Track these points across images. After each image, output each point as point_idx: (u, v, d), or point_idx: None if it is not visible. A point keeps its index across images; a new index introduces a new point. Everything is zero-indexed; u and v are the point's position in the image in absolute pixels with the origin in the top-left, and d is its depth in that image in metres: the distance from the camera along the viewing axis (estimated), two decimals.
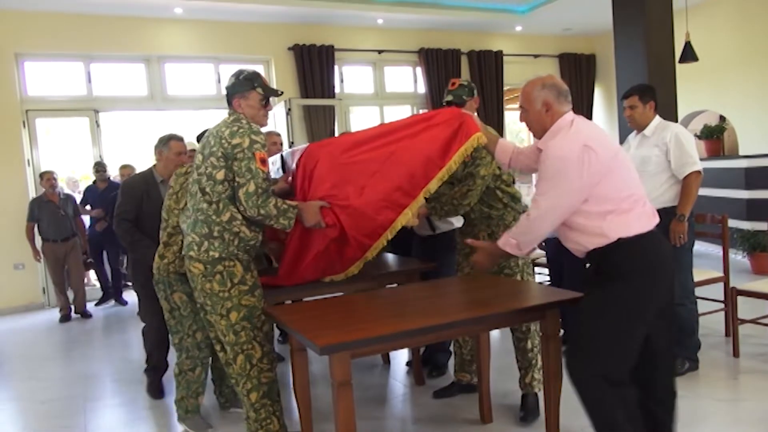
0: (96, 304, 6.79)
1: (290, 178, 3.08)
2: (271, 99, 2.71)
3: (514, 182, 3.18)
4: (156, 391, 3.78)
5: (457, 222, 3.49)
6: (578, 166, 2.13)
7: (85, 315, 6.31)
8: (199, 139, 3.80)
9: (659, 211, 3.40)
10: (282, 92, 2.82)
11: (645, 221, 2.20)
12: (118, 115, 7.69)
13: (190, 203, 2.67)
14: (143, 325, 3.95)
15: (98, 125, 7.35)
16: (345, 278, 3.04)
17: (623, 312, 2.14)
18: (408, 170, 2.90)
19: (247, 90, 2.61)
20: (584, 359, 2.15)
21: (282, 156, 3.54)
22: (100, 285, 6.96)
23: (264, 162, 2.53)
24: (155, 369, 3.82)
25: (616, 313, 2.14)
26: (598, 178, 2.15)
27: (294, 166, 3.01)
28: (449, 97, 3.12)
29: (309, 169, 2.90)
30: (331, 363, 2.14)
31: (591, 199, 2.18)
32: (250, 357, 2.63)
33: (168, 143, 3.63)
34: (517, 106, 3.15)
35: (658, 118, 3.60)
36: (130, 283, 6.36)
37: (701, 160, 3.51)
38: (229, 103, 2.65)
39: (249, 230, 2.61)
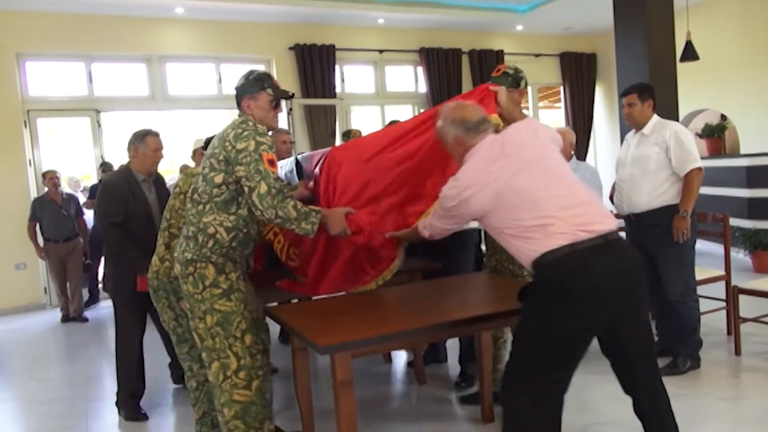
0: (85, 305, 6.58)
1: (311, 184, 2.99)
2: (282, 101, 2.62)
3: None
4: (139, 414, 3.45)
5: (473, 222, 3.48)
6: (456, 206, 2.19)
7: (81, 319, 6.22)
8: (207, 143, 3.77)
9: (661, 209, 3.45)
10: (293, 94, 2.68)
11: (556, 241, 1.99)
12: (120, 115, 7.67)
13: (186, 206, 2.63)
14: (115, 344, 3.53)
15: (99, 125, 7.35)
16: (376, 287, 2.84)
17: (540, 337, 2.01)
18: (437, 163, 2.79)
19: (257, 91, 2.50)
20: (508, 385, 2.09)
21: (297, 160, 3.47)
22: (89, 287, 6.79)
23: (272, 163, 2.39)
24: (133, 395, 3.48)
25: (532, 339, 2.04)
26: (481, 215, 2.16)
27: (316, 171, 2.92)
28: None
29: (333, 174, 2.80)
30: (333, 363, 2.14)
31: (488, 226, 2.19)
32: (225, 367, 2.46)
33: (144, 139, 3.39)
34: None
35: (656, 117, 3.61)
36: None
37: (702, 158, 3.51)
38: (239, 104, 2.55)
39: (227, 232, 2.46)
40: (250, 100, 2.51)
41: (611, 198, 3.91)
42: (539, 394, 2.02)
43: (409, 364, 4.03)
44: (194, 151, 4.90)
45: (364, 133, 4.53)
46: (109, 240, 3.35)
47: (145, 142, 3.39)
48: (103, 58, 7.44)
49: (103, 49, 7.30)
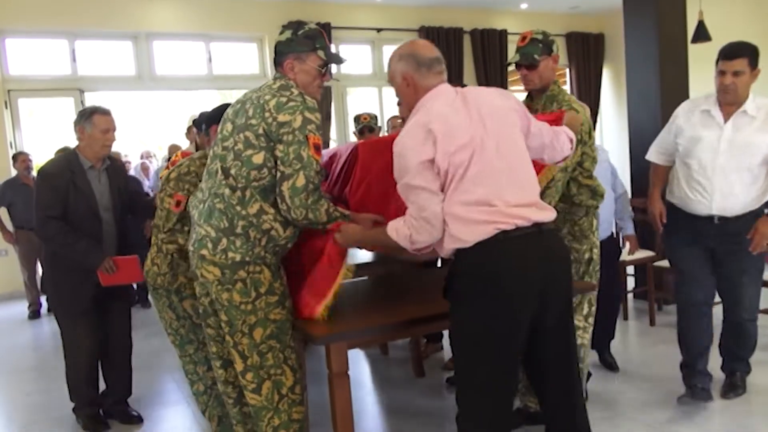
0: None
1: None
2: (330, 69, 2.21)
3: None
4: (101, 423, 3.13)
5: None
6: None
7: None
8: (197, 123, 3.33)
9: (753, 213, 2.77)
10: (345, 59, 2.27)
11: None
12: (105, 95, 7.44)
13: (206, 184, 2.17)
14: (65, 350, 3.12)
15: (84, 106, 7.07)
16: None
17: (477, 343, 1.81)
18: None
19: (307, 51, 2.09)
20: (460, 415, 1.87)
21: None
22: None
23: (318, 149, 2.01)
24: (91, 405, 3.14)
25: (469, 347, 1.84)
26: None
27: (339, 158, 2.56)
28: (517, 57, 2.55)
29: (351, 164, 2.42)
30: (328, 353, 2.08)
31: None
32: (279, 385, 2.14)
33: (91, 118, 2.89)
34: (522, 87, 2.72)
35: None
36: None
37: None
38: (278, 63, 2.12)
39: (283, 228, 2.08)
40: (295, 60, 2.10)
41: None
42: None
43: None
44: (189, 128, 4.60)
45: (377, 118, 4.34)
46: (49, 235, 2.89)
47: (92, 122, 2.90)
48: (87, 36, 7.20)
49: (88, 26, 7.05)
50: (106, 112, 2.96)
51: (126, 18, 7.16)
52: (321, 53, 2.13)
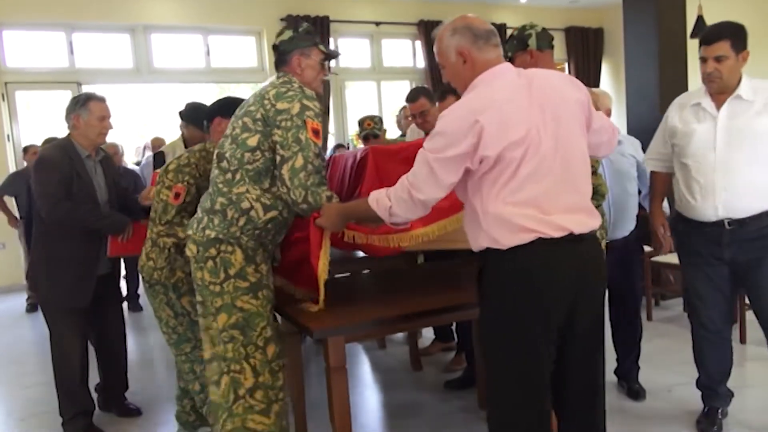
0: None
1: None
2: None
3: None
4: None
5: None
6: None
7: None
8: (182, 114, 3.38)
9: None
10: (339, 54, 2.36)
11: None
12: (102, 88, 7.35)
13: (212, 174, 2.19)
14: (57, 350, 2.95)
15: None
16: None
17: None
18: None
19: (309, 46, 2.12)
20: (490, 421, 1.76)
21: None
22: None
23: (317, 134, 2.01)
24: (85, 414, 2.98)
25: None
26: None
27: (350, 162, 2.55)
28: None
29: (361, 166, 2.42)
30: (325, 347, 2.05)
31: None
32: (237, 383, 2.03)
33: (87, 105, 2.78)
34: None
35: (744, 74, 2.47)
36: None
37: None
38: (282, 62, 2.14)
39: (264, 210, 2.05)
40: (301, 56, 2.12)
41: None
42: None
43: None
44: None
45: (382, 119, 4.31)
46: (60, 216, 2.74)
47: (89, 109, 2.78)
48: (84, 28, 7.15)
49: (85, 18, 7.00)
50: (101, 99, 2.86)
51: (124, 11, 7.11)
52: (321, 47, 2.17)
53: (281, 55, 2.14)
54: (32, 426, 3.20)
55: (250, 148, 2.02)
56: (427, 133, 2.92)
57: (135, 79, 7.42)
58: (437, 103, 3.39)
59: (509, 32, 9.03)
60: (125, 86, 7.50)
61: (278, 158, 2.00)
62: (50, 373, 3.09)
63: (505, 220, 1.62)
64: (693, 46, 5.55)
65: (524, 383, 1.68)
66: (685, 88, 5.10)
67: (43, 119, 7.60)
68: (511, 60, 2.44)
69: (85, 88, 7.09)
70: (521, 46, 2.45)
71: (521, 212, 1.61)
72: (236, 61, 7.95)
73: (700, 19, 6.28)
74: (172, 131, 7.30)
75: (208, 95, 7.78)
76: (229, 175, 2.05)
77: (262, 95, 2.05)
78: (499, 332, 1.70)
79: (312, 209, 1.99)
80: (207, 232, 2.05)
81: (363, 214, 1.90)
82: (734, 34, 2.36)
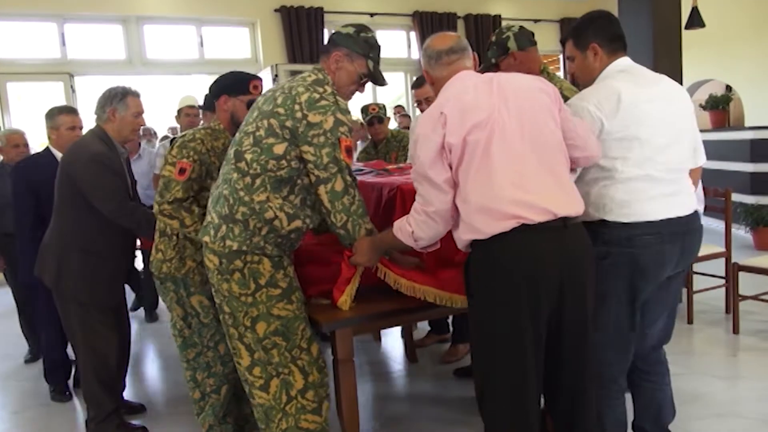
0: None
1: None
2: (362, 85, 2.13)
3: None
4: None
5: None
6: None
7: None
8: (205, 105, 3.26)
9: None
10: (387, 83, 2.19)
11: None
12: (95, 80, 7.33)
13: (223, 169, 2.08)
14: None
15: (73, 90, 6.98)
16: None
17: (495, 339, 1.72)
18: None
19: (359, 54, 2.03)
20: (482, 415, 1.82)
21: None
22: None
23: (350, 153, 1.93)
24: (117, 411, 2.90)
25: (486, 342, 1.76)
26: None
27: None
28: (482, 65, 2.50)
29: (389, 204, 2.39)
30: (333, 340, 2.08)
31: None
32: (288, 385, 2.01)
33: (125, 99, 2.68)
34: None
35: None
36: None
37: (705, 131, 2.91)
38: (325, 51, 2.05)
39: (288, 219, 1.97)
40: (345, 56, 2.02)
41: None
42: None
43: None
44: (179, 111, 4.51)
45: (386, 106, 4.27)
46: (136, 216, 2.65)
47: (126, 104, 2.68)
48: (76, 19, 7.07)
49: (77, 9, 6.93)
50: (137, 94, 2.76)
51: (116, 1, 7.04)
52: (370, 63, 2.07)
53: (328, 44, 2.07)
54: (26, 419, 3.20)
55: (276, 156, 1.93)
56: None
57: (128, 70, 7.35)
58: (413, 90, 3.45)
59: (504, 23, 9.07)
60: (118, 78, 7.40)
61: (314, 178, 1.94)
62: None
63: (485, 208, 1.66)
64: (688, 36, 5.56)
65: (512, 372, 1.70)
66: (680, 79, 5.10)
67: (34, 110, 7.55)
68: (497, 67, 2.50)
69: (77, 80, 7.05)
70: (502, 51, 2.51)
71: (500, 194, 1.65)
72: (230, 52, 7.90)
73: (694, 11, 6.29)
74: (164, 123, 7.26)
75: (200, 87, 7.73)
76: (248, 179, 1.95)
77: (294, 98, 1.92)
78: (485, 323, 1.73)
79: (348, 239, 1.99)
80: (228, 243, 1.97)
81: (392, 243, 1.95)
82: (572, 35, 2.28)
